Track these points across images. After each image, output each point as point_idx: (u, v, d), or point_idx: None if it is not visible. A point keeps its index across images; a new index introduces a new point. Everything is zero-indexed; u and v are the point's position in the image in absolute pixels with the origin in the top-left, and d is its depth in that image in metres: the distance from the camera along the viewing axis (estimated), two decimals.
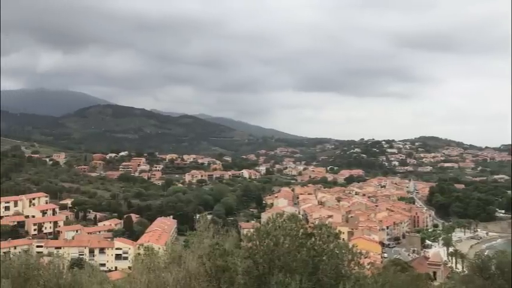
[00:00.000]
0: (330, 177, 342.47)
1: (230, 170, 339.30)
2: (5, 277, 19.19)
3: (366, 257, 19.80)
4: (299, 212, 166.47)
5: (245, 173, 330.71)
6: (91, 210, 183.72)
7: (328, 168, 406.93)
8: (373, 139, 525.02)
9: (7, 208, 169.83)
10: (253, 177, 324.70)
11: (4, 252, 28.05)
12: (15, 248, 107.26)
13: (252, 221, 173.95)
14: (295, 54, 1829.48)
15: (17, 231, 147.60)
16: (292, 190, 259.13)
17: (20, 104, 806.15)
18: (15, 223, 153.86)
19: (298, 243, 17.74)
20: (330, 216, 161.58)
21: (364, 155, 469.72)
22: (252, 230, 18.73)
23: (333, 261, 17.49)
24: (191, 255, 18.40)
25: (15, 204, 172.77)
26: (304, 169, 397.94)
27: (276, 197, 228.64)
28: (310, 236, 18.36)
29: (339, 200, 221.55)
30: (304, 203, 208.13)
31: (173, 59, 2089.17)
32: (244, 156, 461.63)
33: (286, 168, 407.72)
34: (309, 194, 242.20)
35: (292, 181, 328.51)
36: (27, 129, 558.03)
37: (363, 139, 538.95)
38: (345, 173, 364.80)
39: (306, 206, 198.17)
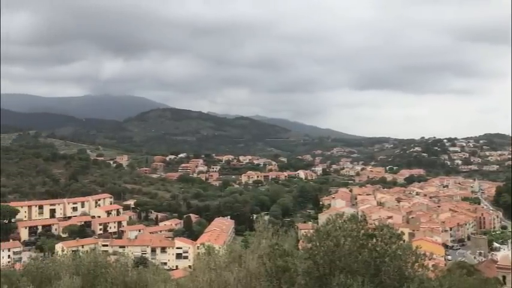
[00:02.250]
0: (389, 177, 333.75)
1: (286, 170, 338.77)
2: (76, 274, 20.17)
3: (430, 259, 19.14)
4: (357, 213, 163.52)
5: (301, 173, 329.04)
6: (152, 211, 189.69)
7: (387, 168, 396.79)
8: (434, 137, 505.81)
9: (75, 209, 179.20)
10: (309, 178, 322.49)
11: (73, 251, 29.54)
12: (82, 246, 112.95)
13: (309, 222, 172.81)
14: (350, 52, 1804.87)
15: (84, 230, 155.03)
16: (350, 191, 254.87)
17: (85, 110, 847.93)
18: (83, 223, 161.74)
19: (359, 244, 17.40)
20: (390, 218, 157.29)
21: (424, 154, 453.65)
22: (311, 231, 18.59)
23: (396, 263, 17.01)
24: (251, 255, 18.54)
25: (82, 205, 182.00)
26: (362, 169, 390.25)
27: (333, 197, 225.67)
28: (372, 237, 17.96)
29: (398, 200, 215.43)
30: (363, 204, 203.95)
31: (228, 62, 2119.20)
32: (300, 157, 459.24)
33: (343, 168, 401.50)
34: (367, 194, 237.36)
35: (350, 182, 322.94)
36: (92, 133, 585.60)
37: (423, 137, 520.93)
38: (405, 172, 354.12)
39: (364, 207, 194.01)
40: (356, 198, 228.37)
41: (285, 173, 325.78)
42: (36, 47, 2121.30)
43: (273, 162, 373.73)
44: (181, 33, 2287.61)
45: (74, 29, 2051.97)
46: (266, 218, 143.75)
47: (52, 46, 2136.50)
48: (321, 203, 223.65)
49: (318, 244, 17.40)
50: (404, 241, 19.13)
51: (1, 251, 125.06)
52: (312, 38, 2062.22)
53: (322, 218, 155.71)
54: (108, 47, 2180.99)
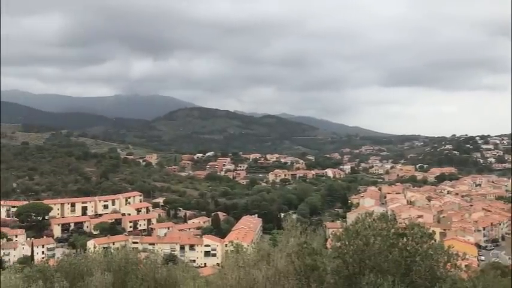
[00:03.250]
0: (419, 175, 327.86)
1: (313, 169, 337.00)
2: (107, 270, 20.56)
3: (462, 259, 18.71)
4: (387, 212, 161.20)
5: (329, 172, 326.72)
6: (181, 209, 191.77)
7: (417, 166, 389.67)
8: (466, 135, 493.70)
9: (106, 206, 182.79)
10: (337, 176, 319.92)
11: (104, 248, 30.20)
12: (113, 243, 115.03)
13: (337, 221, 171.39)
14: (379, 49, 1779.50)
15: (114, 228, 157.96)
16: (379, 189, 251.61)
17: (115, 109, 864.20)
18: (113, 220, 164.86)
19: (390, 243, 17.16)
20: (420, 217, 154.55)
21: (456, 152, 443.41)
22: (340, 230, 18.44)
23: (427, 263, 16.71)
24: (279, 253, 18.51)
25: (113, 203, 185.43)
26: (392, 167, 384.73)
27: (362, 196, 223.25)
28: (402, 236, 17.68)
29: (429, 199, 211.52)
30: (392, 203, 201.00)
31: (255, 61, 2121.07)
32: (327, 155, 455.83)
33: (372, 166, 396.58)
34: (397, 193, 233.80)
35: (379, 180, 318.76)
36: (122, 132, 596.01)
37: (454, 135, 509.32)
38: (436, 171, 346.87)
39: (394, 206, 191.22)
40: (385, 197, 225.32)
41: (313, 172, 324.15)
42: (68, 48, 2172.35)
43: (301, 161, 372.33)
44: (208, 32, 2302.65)
45: (105, 30, 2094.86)
46: (294, 216, 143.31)
47: (84, 47, 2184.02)
48: (349, 201, 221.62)
49: (347, 243, 17.25)
50: (435, 241, 18.77)
51: (35, 247, 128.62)
52: (339, 36, 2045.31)
53: (351, 217, 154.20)
54: (137, 47, 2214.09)
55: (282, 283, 16.93)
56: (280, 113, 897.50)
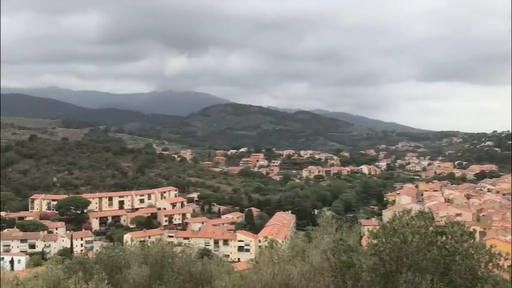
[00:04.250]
0: (457, 172, 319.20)
1: (348, 165, 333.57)
2: (144, 263, 20.93)
3: (505, 259, 18.05)
4: (423, 210, 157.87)
5: (364, 168, 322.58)
6: (215, 204, 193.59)
7: (456, 163, 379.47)
8: (508, 131, 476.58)
9: (142, 201, 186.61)
10: (373, 173, 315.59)
11: (140, 241, 30.83)
12: (149, 237, 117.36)
13: (373, 219, 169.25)
14: (417, 43, 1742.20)
15: (150, 221, 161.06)
16: (416, 187, 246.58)
17: (151, 106, 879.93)
18: (149, 214, 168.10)
19: (428, 241, 16.71)
20: (459, 215, 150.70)
21: (497, 149, 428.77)
22: (377, 227, 18.12)
23: (468, 262, 16.18)
24: (314, 249, 18.36)
25: (149, 197, 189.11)
26: (429, 164, 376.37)
27: (398, 193, 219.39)
28: (441, 234, 17.19)
29: (468, 197, 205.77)
30: (429, 201, 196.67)
31: (289, 56, 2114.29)
32: (363, 152, 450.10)
33: (408, 163, 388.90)
34: (434, 190, 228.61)
35: (416, 177, 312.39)
36: (157, 128, 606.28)
37: (495, 131, 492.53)
38: (475, 168, 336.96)
39: (431, 204, 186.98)
40: (422, 195, 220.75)
41: (348, 168, 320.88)
42: (105, 45, 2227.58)
43: (335, 157, 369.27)
44: (242, 28, 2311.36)
45: (141, 27, 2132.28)
46: (328, 213, 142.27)
47: (120, 45, 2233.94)
48: (385, 199, 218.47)
49: (384, 240, 16.91)
50: (475, 240, 18.19)
51: (75, 239, 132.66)
52: (375, 29, 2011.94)
53: (387, 214, 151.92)
54: (172, 44, 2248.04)
55: (317, 279, 16.79)
56: (314, 109, 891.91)
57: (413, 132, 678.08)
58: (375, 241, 17.31)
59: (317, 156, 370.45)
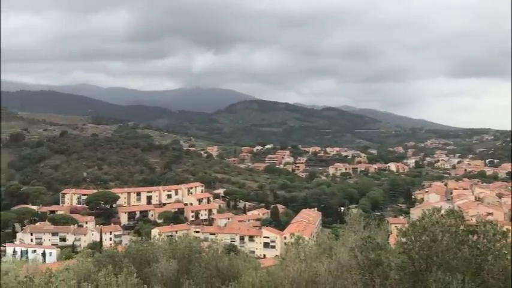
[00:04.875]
0: (488, 171, 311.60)
1: (376, 163, 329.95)
2: (172, 258, 21.17)
3: None
4: (453, 208, 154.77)
5: (392, 166, 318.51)
6: (241, 200, 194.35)
7: (487, 161, 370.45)
8: None
9: (169, 196, 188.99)
10: (401, 170, 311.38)
11: (168, 236, 31.20)
12: (176, 232, 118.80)
13: (400, 217, 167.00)
14: (447, 38, 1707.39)
15: (177, 217, 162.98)
16: (445, 185, 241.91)
17: (178, 102, 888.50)
18: (176, 210, 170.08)
19: (459, 240, 16.37)
20: (490, 214, 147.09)
21: None
22: (406, 225, 17.85)
23: (501, 262, 15.77)
24: (342, 247, 18.22)
25: (176, 193, 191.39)
26: (459, 162, 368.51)
27: (427, 192, 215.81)
28: (473, 233, 16.80)
29: (500, 196, 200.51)
30: (459, 199, 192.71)
31: (315, 52, 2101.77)
32: (390, 149, 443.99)
33: (437, 161, 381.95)
34: (464, 189, 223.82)
35: (445, 175, 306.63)
36: (184, 125, 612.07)
37: None
38: (507, 166, 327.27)
39: (460, 202, 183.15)
40: (451, 193, 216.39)
41: (375, 166, 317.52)
42: (133, 43, 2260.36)
43: (362, 154, 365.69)
44: (268, 25, 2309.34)
45: (168, 25, 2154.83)
46: (355, 211, 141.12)
47: (148, 42, 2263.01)
48: (413, 197, 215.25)
49: (413, 238, 16.65)
50: (508, 239, 17.71)
51: (104, 233, 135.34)
52: (404, 25, 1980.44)
53: (415, 212, 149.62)
54: (199, 41, 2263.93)
55: (345, 277, 16.65)
56: (341, 106, 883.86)
57: (442, 129, 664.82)
58: (404, 239, 17.06)
59: (344, 154, 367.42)
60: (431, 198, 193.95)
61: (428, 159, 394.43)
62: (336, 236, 22.80)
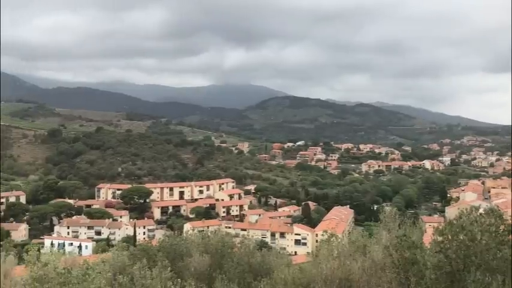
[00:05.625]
0: None
1: (410, 160, 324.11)
2: (205, 252, 21.36)
3: None
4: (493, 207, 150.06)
5: (427, 163, 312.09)
6: (272, 196, 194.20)
7: None
8: None
9: (201, 191, 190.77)
10: (436, 168, 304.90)
11: (199, 231, 31.49)
12: (207, 227, 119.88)
13: (435, 215, 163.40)
14: (485, 33, 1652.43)
15: (209, 212, 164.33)
16: (482, 183, 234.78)
17: (210, 99, 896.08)
18: (208, 205, 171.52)
19: (499, 240, 15.86)
20: None
21: None
22: (443, 224, 17.40)
23: None
24: (376, 245, 17.96)
25: (207, 188, 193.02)
26: (497, 160, 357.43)
27: (463, 190, 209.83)
28: None
29: None
30: (497, 198, 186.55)
31: (348, 48, 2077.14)
32: (425, 146, 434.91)
33: (474, 159, 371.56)
34: (502, 188, 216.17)
35: (482, 173, 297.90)
36: (216, 121, 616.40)
37: None
38: None
39: (498, 201, 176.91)
40: (489, 192, 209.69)
41: (409, 163, 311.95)
42: (166, 40, 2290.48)
43: (396, 151, 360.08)
44: (300, 21, 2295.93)
45: (200, 22, 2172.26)
46: (388, 209, 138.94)
47: (181, 39, 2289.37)
48: (448, 195, 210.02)
49: (450, 237, 16.23)
50: None
51: (137, 227, 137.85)
52: (440, 19, 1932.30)
53: (450, 211, 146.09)
54: (230, 37, 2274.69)
55: (379, 275, 16.41)
56: (375, 102, 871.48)
57: (480, 126, 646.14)
58: (440, 238, 16.67)
59: (377, 151, 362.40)
60: (468, 196, 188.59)
61: (464, 156, 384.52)
62: (370, 234, 22.48)
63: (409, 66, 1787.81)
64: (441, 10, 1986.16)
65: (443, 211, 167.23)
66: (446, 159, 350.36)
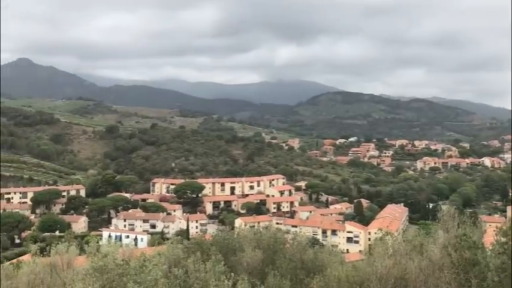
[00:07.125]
0: None
1: (468, 157, 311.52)
2: (257, 248, 21.45)
3: None
4: None
5: (486, 161, 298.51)
6: (323, 193, 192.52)
7: None
8: None
9: (252, 187, 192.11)
10: (496, 166, 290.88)
11: (250, 226, 31.66)
12: (258, 223, 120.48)
13: (496, 215, 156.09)
14: None
15: (260, 208, 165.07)
16: None
17: (261, 95, 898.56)
18: (258, 201, 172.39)
19: None
20: None
21: None
22: (506, 224, 16.55)
23: None
24: (433, 244, 17.35)
25: (258, 184, 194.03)
26: None
27: None
28: None
29: None
30: None
31: (402, 41, 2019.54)
32: (485, 143, 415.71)
33: None
34: None
35: None
36: (266, 117, 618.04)
37: None
38: None
39: None
40: None
41: (467, 160, 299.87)
42: (218, 38, 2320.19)
43: (453, 148, 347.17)
44: (352, 15, 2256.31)
45: (251, 19, 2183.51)
46: (446, 207, 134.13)
47: (232, 37, 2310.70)
48: (510, 194, 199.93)
49: None
50: None
51: (190, 221, 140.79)
52: (502, 9, 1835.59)
53: None
54: (281, 33, 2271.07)
55: (437, 276, 15.85)
56: (431, 97, 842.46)
57: None
58: (504, 239, 15.88)
59: (433, 147, 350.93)
60: None
61: None
62: (426, 233, 21.76)
63: (468, 59, 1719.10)
64: (500, 0, 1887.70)
65: (504, 211, 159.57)
66: (508, 156, 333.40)
